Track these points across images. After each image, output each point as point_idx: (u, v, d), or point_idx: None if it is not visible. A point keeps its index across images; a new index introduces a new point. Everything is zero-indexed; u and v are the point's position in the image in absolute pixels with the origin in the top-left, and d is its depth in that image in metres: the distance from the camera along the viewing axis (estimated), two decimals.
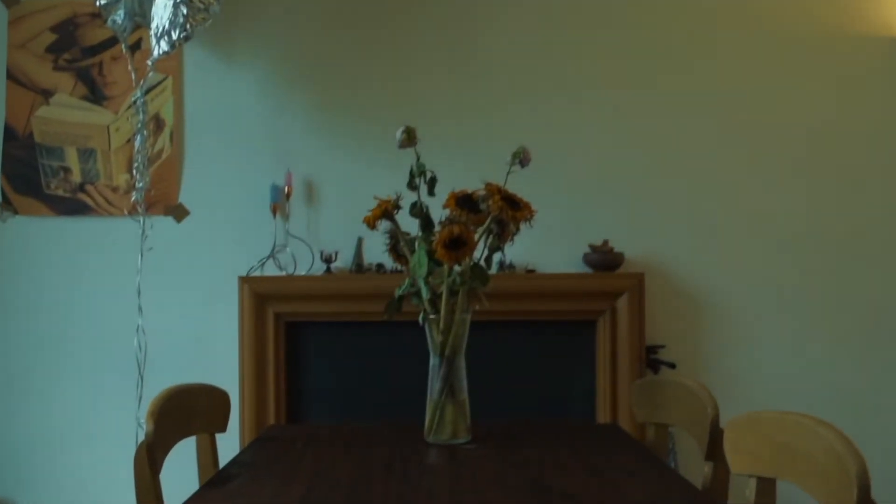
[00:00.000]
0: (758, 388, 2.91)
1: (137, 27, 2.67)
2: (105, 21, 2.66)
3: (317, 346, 2.88)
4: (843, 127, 2.97)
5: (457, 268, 1.57)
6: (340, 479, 1.39)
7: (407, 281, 1.62)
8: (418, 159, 1.62)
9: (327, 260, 2.84)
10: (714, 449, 1.49)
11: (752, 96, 2.97)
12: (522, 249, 2.82)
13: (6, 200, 2.94)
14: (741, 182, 2.96)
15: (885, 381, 2.94)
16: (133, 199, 2.76)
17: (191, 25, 2.43)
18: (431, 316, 1.60)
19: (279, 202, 2.91)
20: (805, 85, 2.98)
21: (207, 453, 1.70)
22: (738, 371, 2.93)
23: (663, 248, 2.94)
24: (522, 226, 1.59)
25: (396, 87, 2.97)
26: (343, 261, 2.88)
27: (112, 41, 2.93)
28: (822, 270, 2.95)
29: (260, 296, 2.79)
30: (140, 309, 2.74)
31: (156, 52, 2.49)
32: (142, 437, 1.41)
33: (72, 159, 2.96)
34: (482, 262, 1.61)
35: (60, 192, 2.95)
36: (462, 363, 1.62)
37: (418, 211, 1.62)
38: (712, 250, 2.95)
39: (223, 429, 1.78)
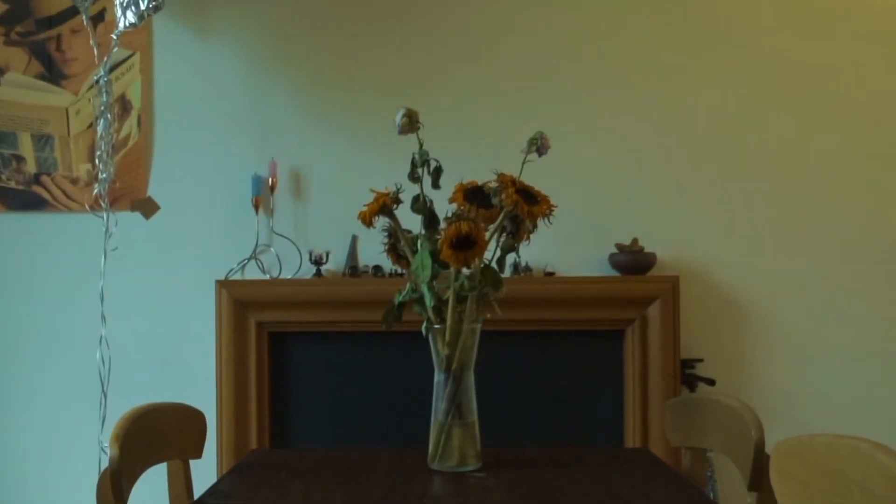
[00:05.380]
0: (809, 407, 2.91)
1: None
2: None
3: (305, 359, 2.88)
4: None
5: (465, 271, 1.58)
6: None
7: (408, 286, 1.63)
8: (421, 147, 1.62)
9: (317, 262, 2.85)
10: (759, 477, 1.49)
11: (804, 80, 2.96)
12: (540, 250, 2.81)
13: None
14: (790, 175, 2.95)
15: None
16: (95, 192, 2.77)
17: None
18: (436, 326, 1.61)
19: (262, 195, 2.92)
20: (863, 71, 2.97)
21: (180, 482, 1.71)
22: (786, 388, 2.93)
23: (701, 248, 2.94)
24: (540, 223, 1.59)
25: (396, 64, 2.98)
26: (335, 263, 2.89)
27: (72, 12, 2.94)
28: (882, 274, 2.95)
29: (240, 303, 2.80)
30: (103, 317, 2.75)
31: (121, 25, 2.50)
32: (106, 464, 1.42)
33: (25, 147, 2.97)
34: (494, 265, 1.62)
35: (12, 185, 2.97)
36: (471, 380, 1.62)
37: (421, 206, 1.62)
38: (756, 251, 2.95)
39: (198, 454, 1.79)
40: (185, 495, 1.70)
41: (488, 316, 1.63)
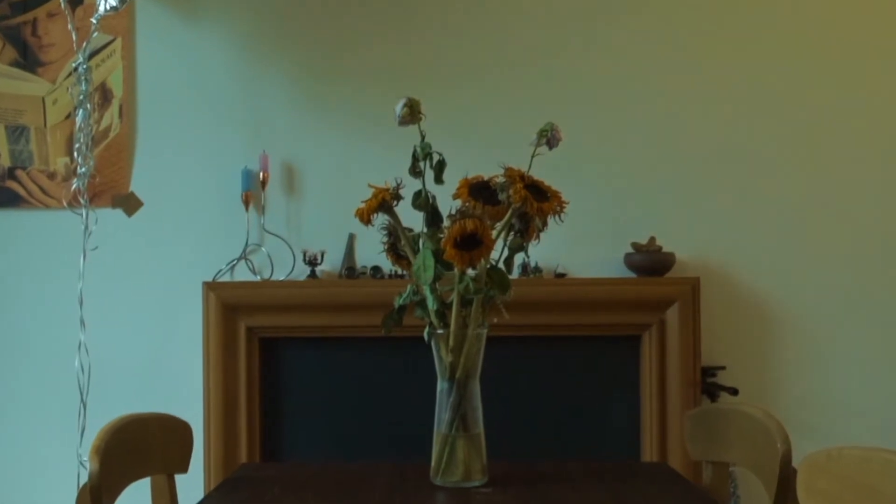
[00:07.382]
0: (838, 418, 2.91)
1: None
2: None
3: (299, 367, 2.89)
4: None
5: (470, 272, 1.58)
6: None
7: (409, 288, 1.63)
8: (423, 139, 1.62)
9: (311, 262, 2.85)
10: (785, 493, 1.49)
11: (828, 78, 2.96)
12: (551, 249, 2.82)
13: None
14: (816, 173, 2.95)
15: None
16: (74, 187, 2.77)
17: None
18: (439, 331, 1.61)
19: (253, 191, 2.92)
20: (888, 69, 2.97)
21: (165, 498, 1.71)
22: (814, 398, 2.93)
23: (722, 247, 2.94)
24: (551, 220, 1.59)
25: (397, 51, 2.98)
26: (331, 263, 2.89)
27: None
28: None
29: (229, 306, 2.80)
30: (82, 322, 2.75)
31: (102, 8, 2.50)
32: (85, 478, 1.42)
33: None
34: (501, 265, 1.62)
35: None
36: (476, 389, 1.63)
37: (423, 202, 1.62)
38: (782, 251, 2.94)
39: (184, 469, 1.79)
40: None
41: (495, 320, 1.63)
